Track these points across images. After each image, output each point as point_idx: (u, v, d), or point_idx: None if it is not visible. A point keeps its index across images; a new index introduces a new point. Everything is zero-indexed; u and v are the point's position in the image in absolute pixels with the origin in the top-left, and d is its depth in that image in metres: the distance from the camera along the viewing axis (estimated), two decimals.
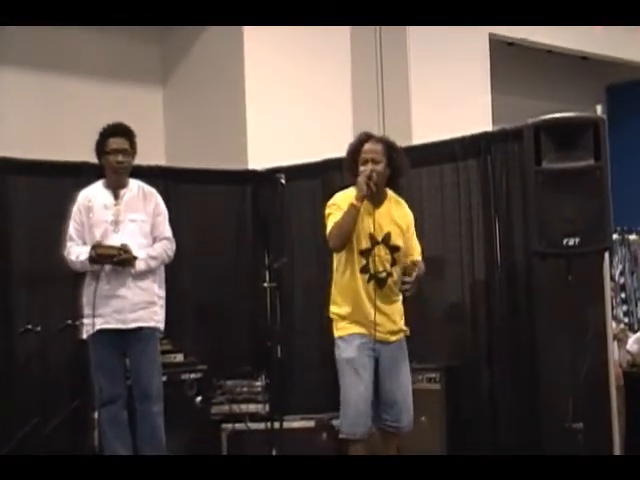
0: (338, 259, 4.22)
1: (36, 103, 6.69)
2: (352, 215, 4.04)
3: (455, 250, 5.54)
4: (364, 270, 4.13)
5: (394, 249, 4.18)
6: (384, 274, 4.14)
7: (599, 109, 4.91)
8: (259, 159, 6.49)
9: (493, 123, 7.37)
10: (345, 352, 4.12)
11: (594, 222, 4.51)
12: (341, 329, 4.19)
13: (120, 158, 4.41)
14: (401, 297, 4.30)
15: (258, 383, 5.50)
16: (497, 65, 8.19)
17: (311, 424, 5.26)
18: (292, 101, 7.06)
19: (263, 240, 6.01)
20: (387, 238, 4.17)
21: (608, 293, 5.09)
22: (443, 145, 5.65)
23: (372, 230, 4.11)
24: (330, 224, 4.13)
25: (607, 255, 5.03)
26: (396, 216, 4.21)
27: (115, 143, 4.41)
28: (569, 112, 4.68)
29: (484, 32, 8.03)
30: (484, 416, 5.29)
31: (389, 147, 4.20)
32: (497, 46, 8.36)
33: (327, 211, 4.19)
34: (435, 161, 5.65)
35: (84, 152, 5.16)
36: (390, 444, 4.24)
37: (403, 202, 4.33)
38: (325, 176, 5.88)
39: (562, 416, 4.56)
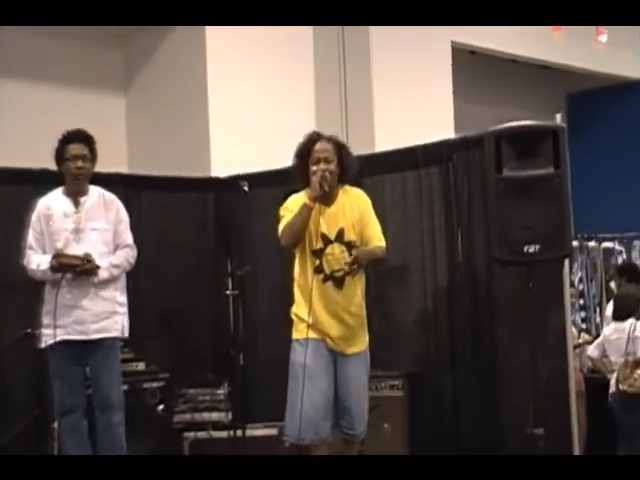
0: (297, 261, 4.19)
1: None
2: (303, 215, 4.00)
3: (418, 257, 5.56)
4: (318, 270, 4.08)
5: (350, 245, 4.11)
6: (341, 273, 4.07)
7: (559, 117, 4.97)
8: (222, 166, 6.47)
9: (455, 131, 7.43)
10: (300, 356, 4.06)
11: (554, 229, 4.55)
12: (299, 331, 4.12)
13: (80, 164, 4.37)
14: (363, 305, 4.28)
15: (220, 391, 5.47)
16: (460, 73, 8.26)
17: (274, 432, 5.23)
18: (256, 109, 7.08)
19: (226, 248, 5.99)
20: (340, 235, 4.10)
21: (568, 300, 5.14)
22: (406, 152, 5.67)
23: (323, 230, 4.07)
24: (281, 225, 4.10)
25: (567, 262, 5.09)
26: (348, 209, 4.13)
27: (74, 149, 4.37)
28: (530, 120, 4.72)
29: (447, 40, 8.10)
30: (446, 423, 5.31)
31: (339, 146, 4.17)
32: (460, 54, 8.44)
33: (280, 214, 4.18)
34: (398, 168, 5.67)
35: (44, 159, 5.14)
36: (349, 450, 4.24)
37: (357, 191, 4.24)
38: (288, 183, 5.84)
39: (523, 422, 4.59)
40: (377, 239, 4.18)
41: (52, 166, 4.78)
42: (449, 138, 5.76)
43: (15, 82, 6.78)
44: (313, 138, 4.14)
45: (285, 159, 5.91)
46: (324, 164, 4.06)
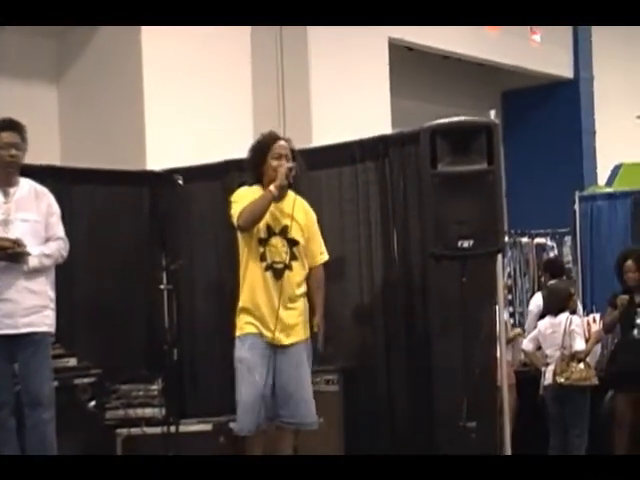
0: (242, 250, 4.31)
1: None
2: (267, 199, 4.19)
3: (354, 251, 5.58)
4: (262, 258, 4.25)
5: (292, 242, 4.30)
6: (281, 265, 4.25)
7: (492, 114, 5.02)
8: (158, 160, 6.39)
9: (392, 127, 7.49)
10: (239, 351, 4.26)
11: (487, 225, 4.61)
12: (239, 328, 4.30)
13: (13, 152, 4.28)
14: (304, 299, 4.34)
15: (154, 387, 5.39)
16: (396, 70, 8.32)
17: (208, 427, 5.20)
18: (192, 102, 7.01)
19: (160, 242, 5.89)
20: (284, 231, 4.29)
21: (501, 294, 5.21)
22: (342, 147, 5.69)
23: (269, 221, 4.25)
24: (237, 208, 4.20)
25: (500, 257, 5.15)
26: (296, 212, 4.32)
27: (7, 137, 4.29)
28: (465, 117, 4.77)
29: (384, 36, 8.15)
30: (381, 417, 5.34)
31: (293, 150, 4.41)
32: (397, 51, 8.50)
33: (233, 200, 4.29)
34: (334, 163, 5.68)
35: None
36: (285, 442, 4.27)
37: (304, 202, 4.44)
38: (225, 178, 5.80)
39: (456, 415, 4.64)
40: (321, 254, 4.47)
41: None
42: (385, 134, 5.82)
43: None
44: (274, 136, 4.37)
45: (220, 153, 5.98)
46: (285, 160, 4.28)
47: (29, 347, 4.22)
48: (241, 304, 4.31)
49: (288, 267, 4.26)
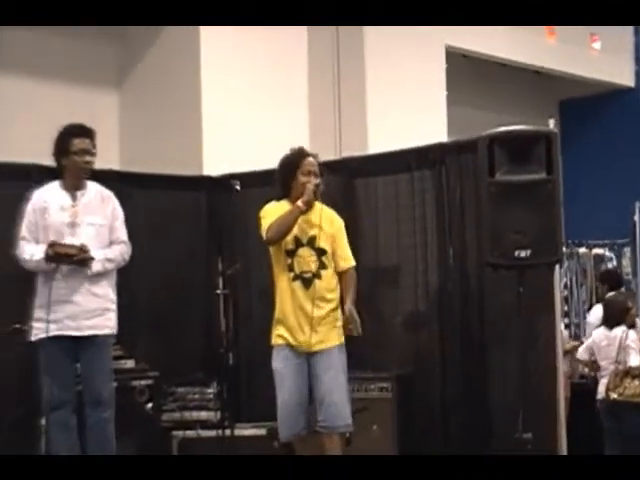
0: (273, 262, 4.49)
1: None
2: (295, 215, 4.36)
3: (409, 259, 5.62)
4: (290, 269, 4.41)
5: (320, 251, 4.42)
6: (309, 275, 4.38)
7: (552, 123, 5.03)
8: (214, 165, 6.51)
9: (448, 134, 7.50)
10: (274, 362, 4.45)
11: (545, 235, 4.61)
12: (273, 338, 4.48)
13: (87, 158, 4.41)
14: (335, 305, 4.42)
15: (210, 390, 5.50)
16: (453, 77, 8.33)
17: (262, 432, 5.27)
18: (249, 107, 7.11)
19: (217, 247, 6.02)
20: (312, 241, 4.43)
21: (558, 305, 5.20)
22: (399, 155, 5.73)
23: (297, 233, 4.41)
24: (266, 222, 4.39)
25: (557, 267, 5.15)
26: (323, 222, 4.45)
27: (82, 143, 4.40)
28: (523, 125, 4.79)
29: (441, 43, 8.17)
30: (435, 426, 5.36)
31: (320, 166, 4.52)
32: (453, 58, 8.51)
33: (261, 216, 4.48)
34: (391, 170, 5.73)
35: (34, 154, 5.14)
36: (327, 447, 4.35)
37: (331, 211, 4.57)
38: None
39: (511, 426, 4.65)
40: (349, 260, 4.55)
41: (42, 161, 4.84)
42: (442, 142, 5.88)
43: (7, 77, 6.79)
44: (303, 152, 4.51)
45: (277, 159, 6.05)
46: (313, 177, 4.42)
47: (91, 348, 4.34)
48: (275, 315, 4.48)
49: (317, 276, 4.40)
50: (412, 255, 5.61)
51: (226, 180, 5.86)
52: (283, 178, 4.48)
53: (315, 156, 4.51)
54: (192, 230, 6.16)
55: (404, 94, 7.69)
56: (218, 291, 5.52)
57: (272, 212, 4.43)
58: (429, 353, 5.47)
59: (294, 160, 4.46)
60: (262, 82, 7.22)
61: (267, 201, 5.82)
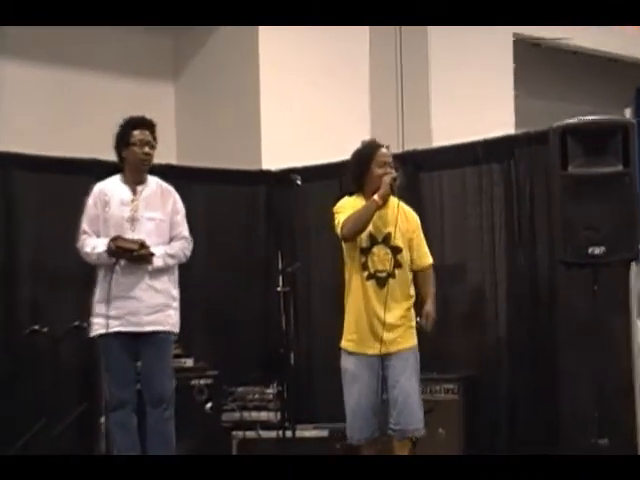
0: (345, 259, 4.45)
1: (46, 98, 6.76)
2: (372, 209, 4.29)
3: (476, 257, 5.62)
4: (364, 267, 4.37)
5: (395, 250, 4.38)
6: (384, 274, 4.35)
7: (628, 112, 4.97)
8: (273, 159, 6.57)
9: (517, 126, 7.43)
10: (344, 362, 4.43)
11: (621, 231, 4.54)
12: (344, 340, 4.45)
13: (147, 150, 4.47)
14: (409, 305, 4.42)
15: (270, 390, 5.55)
16: (521, 66, 8.26)
17: (324, 434, 5.30)
18: (308, 99, 7.14)
19: (276, 243, 6.07)
20: (387, 238, 4.38)
21: (634, 305, 5.12)
22: (465, 148, 5.72)
23: (372, 230, 4.35)
24: (341, 218, 4.34)
25: (634, 265, 5.08)
26: (399, 219, 4.40)
27: (142, 134, 4.46)
28: (597, 115, 4.73)
29: (508, 32, 8.10)
30: (503, 429, 5.35)
31: (392, 158, 4.48)
32: (522, 47, 8.43)
33: (336, 211, 4.43)
34: (457, 164, 5.73)
35: (93, 149, 5.30)
36: (398, 450, 4.38)
37: (407, 208, 4.53)
38: (343, 177, 5.86)
39: (584, 430, 4.61)
40: (427, 257, 4.55)
41: (102, 156, 4.96)
42: (511, 133, 5.87)
43: (66, 70, 6.93)
44: (376, 144, 4.46)
45: (338, 152, 6.03)
46: (389, 169, 4.37)
47: (153, 346, 4.40)
48: (346, 315, 4.45)
49: (391, 275, 4.36)
50: (479, 252, 5.60)
51: (286, 174, 5.91)
52: (356, 171, 4.43)
53: (388, 148, 4.47)
54: (251, 226, 6.22)
55: (469, 84, 7.62)
56: (278, 289, 5.53)
57: (347, 207, 4.37)
58: (497, 354, 5.46)
59: (368, 152, 4.41)
60: (322, 74, 7.23)
61: (329, 196, 5.94)
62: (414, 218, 4.52)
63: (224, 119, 7.18)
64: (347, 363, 4.39)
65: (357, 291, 4.36)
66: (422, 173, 5.82)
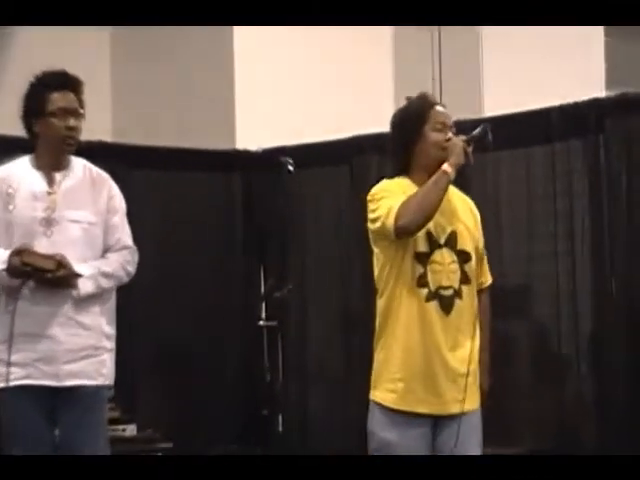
0: (382, 270, 4.21)
1: None
2: (442, 184, 4.07)
3: (547, 274, 5.63)
4: (421, 283, 4.15)
5: (464, 256, 4.21)
6: (450, 291, 4.15)
7: None
8: (252, 136, 6.58)
9: (607, 85, 7.37)
10: (383, 430, 4.15)
11: None
12: (382, 391, 4.18)
13: (72, 122, 4.35)
14: (478, 343, 4.28)
15: None
16: None
17: None
18: (301, 53, 7.14)
19: (259, 255, 6.07)
20: (452, 240, 4.19)
21: None
22: (531, 117, 5.76)
23: (430, 228, 4.15)
24: (392, 203, 4.10)
25: None
26: (462, 212, 4.27)
27: (63, 100, 4.34)
28: None
29: None
30: None
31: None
32: None
33: (376, 196, 4.20)
34: (519, 141, 5.74)
35: None
36: None
37: (468, 198, 4.37)
38: (356, 160, 5.90)
39: None
40: (488, 273, 4.41)
41: (4, 129, 4.96)
42: (598, 97, 5.75)
43: None
44: (430, 100, 4.29)
45: (347, 127, 6.00)
46: (451, 134, 4.18)
47: (77, 406, 4.27)
48: (383, 353, 4.21)
49: (458, 294, 4.17)
50: (552, 267, 5.61)
51: (271, 156, 5.91)
52: (402, 142, 4.25)
53: (444, 106, 4.31)
54: (221, 230, 6.25)
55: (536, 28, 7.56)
56: (260, 322, 5.56)
57: (394, 190, 4.17)
58: (579, 417, 5.49)
59: (418, 112, 4.23)
60: None
61: (335, 187, 5.91)
62: (477, 215, 4.37)
63: (182, 77, 7.18)
64: (384, 429, 4.15)
65: (409, 320, 4.13)
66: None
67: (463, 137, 4.11)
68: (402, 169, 4.23)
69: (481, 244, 4.32)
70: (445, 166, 4.06)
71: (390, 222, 4.06)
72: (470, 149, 4.11)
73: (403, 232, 4.06)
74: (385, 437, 4.12)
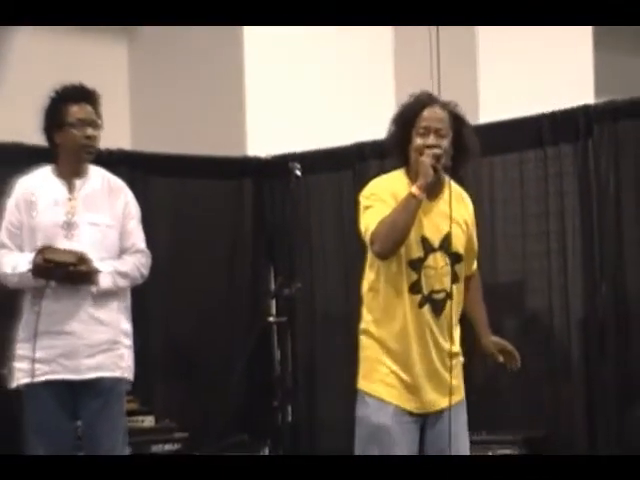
0: (374, 275, 4.11)
1: None
2: (411, 209, 3.94)
3: (540, 273, 5.62)
4: (415, 289, 4.05)
5: (456, 258, 4.10)
6: (442, 294, 4.07)
7: None
8: (263, 143, 6.59)
9: (596, 93, 7.37)
10: (373, 414, 4.06)
11: None
12: (382, 386, 4.08)
13: (90, 132, 4.41)
14: (459, 338, 4.27)
15: None
16: None
17: None
18: (309, 61, 7.12)
19: (268, 256, 6.08)
20: (446, 243, 4.07)
21: None
22: (524, 123, 5.73)
23: (425, 232, 4.05)
24: (370, 221, 4.01)
25: None
26: (456, 212, 4.12)
27: (81, 112, 4.40)
28: None
29: None
30: None
31: (457, 118, 4.09)
32: None
33: (363, 203, 4.08)
34: (512, 146, 5.73)
35: (14, 131, 5.35)
36: None
37: (459, 188, 4.24)
38: (359, 166, 5.91)
39: None
40: (475, 263, 4.31)
41: (28, 138, 4.94)
42: (588, 103, 5.74)
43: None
44: (423, 100, 4.07)
45: (351, 134, 6.02)
46: (434, 138, 4.01)
47: (97, 399, 4.31)
48: (380, 354, 4.08)
49: (449, 296, 4.06)
50: (544, 268, 5.61)
51: (281, 163, 5.89)
52: (395, 140, 4.09)
53: (447, 105, 4.07)
54: (232, 233, 6.24)
55: (530, 36, 7.53)
56: (270, 319, 5.49)
57: (381, 195, 4.02)
58: (569, 407, 5.47)
59: (408, 114, 4.04)
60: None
61: (340, 192, 5.94)
62: (470, 206, 4.22)
63: (194, 87, 7.17)
64: (379, 416, 4.02)
65: (404, 326, 4.02)
66: None
67: (436, 151, 3.94)
68: (402, 164, 4.10)
69: (474, 242, 4.21)
70: (413, 189, 3.93)
71: (370, 245, 4.00)
72: (442, 163, 3.95)
73: (378, 257, 4.00)
74: (378, 421, 4.03)
